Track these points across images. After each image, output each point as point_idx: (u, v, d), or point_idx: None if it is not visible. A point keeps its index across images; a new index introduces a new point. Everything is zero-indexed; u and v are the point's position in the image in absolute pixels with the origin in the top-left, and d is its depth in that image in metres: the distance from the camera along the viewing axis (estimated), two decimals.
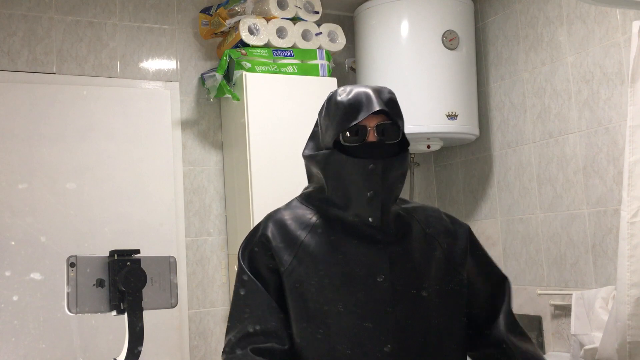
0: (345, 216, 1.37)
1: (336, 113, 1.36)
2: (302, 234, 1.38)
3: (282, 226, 1.40)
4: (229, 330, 1.35)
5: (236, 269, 1.41)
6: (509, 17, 2.97)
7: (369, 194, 1.34)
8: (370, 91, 1.36)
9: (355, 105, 1.34)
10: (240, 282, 1.37)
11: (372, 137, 1.35)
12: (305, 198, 1.47)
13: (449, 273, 1.41)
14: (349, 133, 1.34)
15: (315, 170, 1.43)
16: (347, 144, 1.35)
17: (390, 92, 1.39)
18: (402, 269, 1.35)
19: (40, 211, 2.58)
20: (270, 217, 1.44)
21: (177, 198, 2.86)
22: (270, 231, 1.39)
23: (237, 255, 1.42)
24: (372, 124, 1.35)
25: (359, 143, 1.34)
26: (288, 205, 1.47)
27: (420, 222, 1.45)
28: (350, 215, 1.37)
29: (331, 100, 1.40)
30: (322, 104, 1.45)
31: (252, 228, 1.46)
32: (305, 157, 1.45)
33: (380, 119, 1.36)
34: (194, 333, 2.83)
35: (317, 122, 1.47)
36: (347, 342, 1.30)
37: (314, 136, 1.46)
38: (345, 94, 1.37)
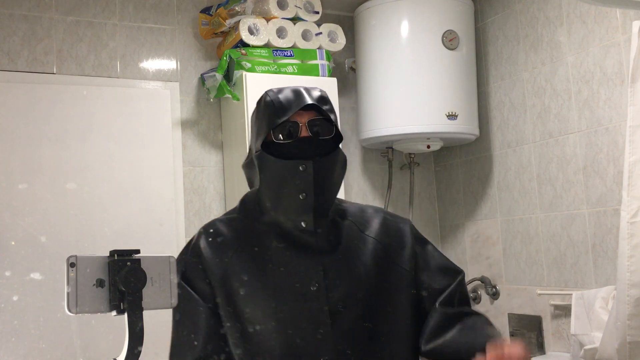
0: (279, 222, 1.34)
1: (265, 112, 1.34)
2: (235, 245, 1.34)
3: (215, 236, 1.36)
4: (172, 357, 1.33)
5: None
6: (509, 17, 2.97)
7: (300, 196, 1.30)
8: (300, 88, 1.35)
9: (285, 102, 1.32)
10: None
11: (304, 132, 1.32)
12: (242, 206, 1.43)
13: (393, 274, 1.35)
14: (281, 130, 1.32)
15: (250, 177, 1.41)
16: (280, 142, 1.31)
17: (322, 91, 1.38)
18: (337, 276, 1.30)
19: (40, 211, 2.58)
20: (204, 228, 1.40)
21: (177, 198, 2.86)
22: (202, 243, 1.36)
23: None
24: (303, 120, 1.32)
25: (292, 140, 1.32)
26: (225, 215, 1.44)
27: (357, 224, 1.40)
28: (282, 219, 1.33)
29: (260, 102, 1.38)
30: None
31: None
32: (242, 167, 1.42)
33: (312, 115, 1.33)
34: None
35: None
36: (282, 355, 1.27)
37: (250, 149, 1.43)
38: (273, 93, 1.36)
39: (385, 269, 1.36)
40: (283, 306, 1.28)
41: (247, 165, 1.41)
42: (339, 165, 1.36)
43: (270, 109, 1.33)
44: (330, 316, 1.27)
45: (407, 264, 1.38)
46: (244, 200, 1.45)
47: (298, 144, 1.32)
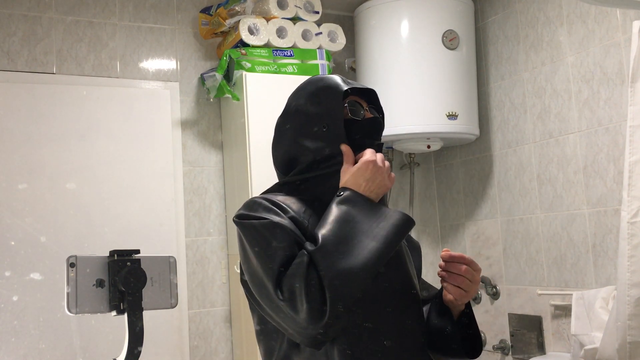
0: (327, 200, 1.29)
1: (328, 85, 1.34)
2: (304, 217, 1.26)
3: (278, 206, 1.27)
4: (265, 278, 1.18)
5: (240, 237, 1.25)
6: (509, 17, 2.97)
7: None
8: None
9: (347, 81, 1.36)
10: (258, 231, 1.19)
11: (368, 114, 1.36)
12: (284, 188, 1.37)
13: (417, 278, 1.41)
14: (348, 107, 1.33)
15: (307, 160, 1.33)
16: (354, 118, 1.32)
17: None
18: (396, 265, 1.33)
19: (40, 211, 2.58)
20: (260, 198, 1.30)
21: (177, 198, 2.86)
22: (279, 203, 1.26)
23: (235, 223, 1.26)
24: (364, 104, 1.37)
25: (359, 118, 1.33)
26: (268, 193, 1.37)
27: None
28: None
29: (310, 84, 1.38)
30: (288, 103, 1.42)
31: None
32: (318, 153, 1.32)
33: (366, 106, 1.38)
34: (194, 333, 2.83)
35: (284, 123, 1.40)
36: (349, 339, 1.26)
37: (283, 139, 1.39)
38: (324, 76, 1.40)
39: (415, 273, 1.41)
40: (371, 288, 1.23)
41: (319, 149, 1.31)
42: None
43: (336, 80, 1.34)
44: (392, 301, 1.29)
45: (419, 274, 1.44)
46: (285, 182, 1.38)
47: (370, 122, 1.33)
